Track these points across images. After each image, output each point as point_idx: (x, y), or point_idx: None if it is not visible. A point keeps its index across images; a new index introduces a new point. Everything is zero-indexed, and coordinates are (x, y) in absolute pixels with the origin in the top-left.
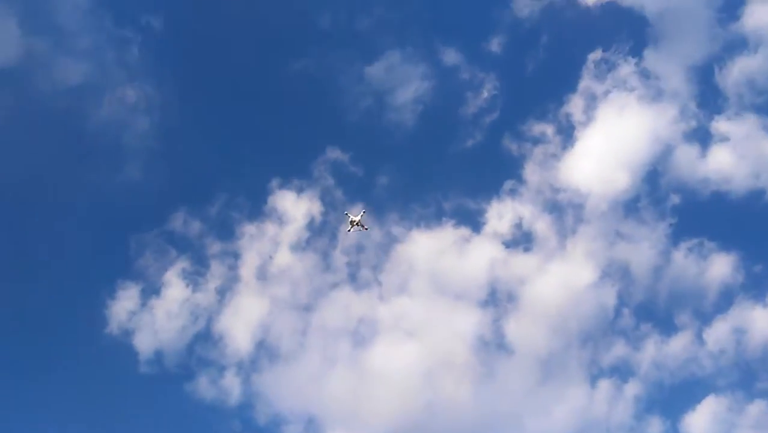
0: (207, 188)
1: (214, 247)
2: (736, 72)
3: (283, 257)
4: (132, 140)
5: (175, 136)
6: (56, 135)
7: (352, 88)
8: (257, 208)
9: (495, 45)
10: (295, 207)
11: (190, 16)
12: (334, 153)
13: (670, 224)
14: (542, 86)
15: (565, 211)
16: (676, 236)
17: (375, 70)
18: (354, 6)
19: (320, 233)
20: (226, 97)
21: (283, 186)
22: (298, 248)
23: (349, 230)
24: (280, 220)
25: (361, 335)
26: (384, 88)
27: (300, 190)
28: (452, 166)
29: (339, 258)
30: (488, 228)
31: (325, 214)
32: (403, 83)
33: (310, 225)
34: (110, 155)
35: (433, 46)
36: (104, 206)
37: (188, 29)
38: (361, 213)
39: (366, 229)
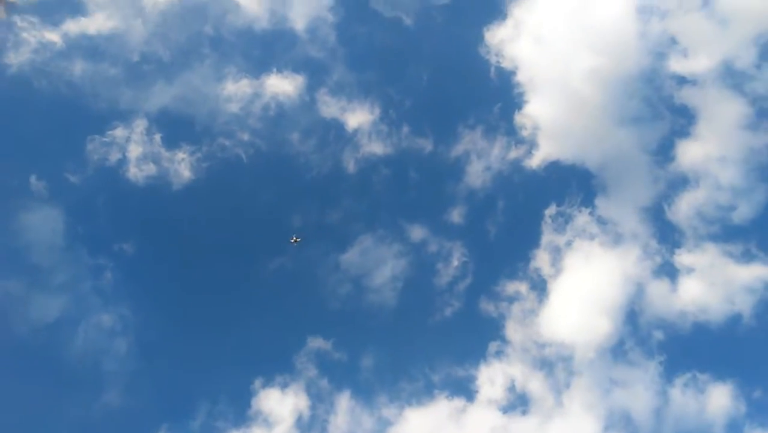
0: (189, 400)
1: None
2: (685, 207)
3: None
4: (110, 365)
5: (153, 354)
6: (34, 372)
7: (329, 277)
8: (242, 413)
9: (456, 216)
10: (281, 405)
11: (161, 234)
12: (316, 342)
13: (660, 362)
14: (507, 246)
15: (555, 365)
16: (669, 373)
17: (350, 257)
18: (322, 203)
19: (309, 429)
20: (202, 307)
21: (266, 385)
22: None
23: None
24: (266, 421)
25: None
26: (360, 272)
27: (284, 386)
28: (436, 337)
29: None
30: (482, 396)
31: (312, 407)
32: (378, 265)
33: (299, 422)
34: (89, 383)
35: (401, 225)
36: None
37: (160, 247)
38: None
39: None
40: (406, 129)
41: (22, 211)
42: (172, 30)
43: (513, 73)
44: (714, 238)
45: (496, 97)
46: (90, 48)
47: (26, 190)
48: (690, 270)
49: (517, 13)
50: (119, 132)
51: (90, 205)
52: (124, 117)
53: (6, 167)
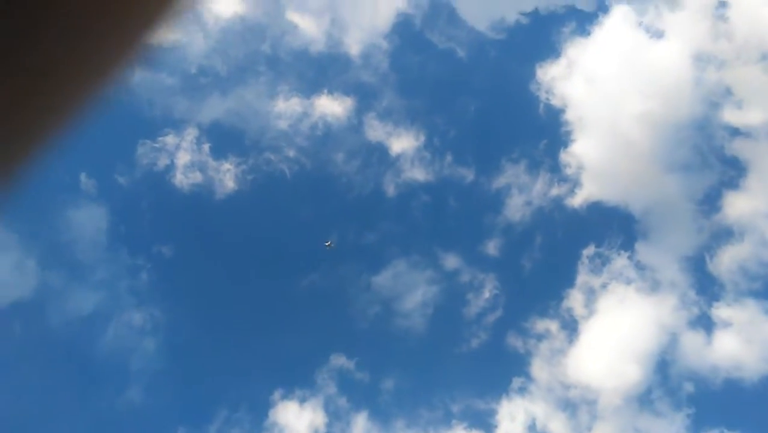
0: (208, 405)
1: None
2: (727, 260)
3: None
4: (137, 362)
5: (179, 356)
6: (64, 362)
7: (360, 297)
8: (258, 423)
9: (491, 248)
10: (298, 419)
11: (199, 241)
12: (339, 360)
13: (688, 415)
14: (541, 283)
15: (579, 408)
16: (696, 427)
17: (382, 279)
18: (360, 224)
19: None
20: (231, 314)
21: (285, 397)
22: None
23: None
24: None
25: None
26: (391, 295)
27: (303, 400)
28: (459, 367)
29: None
30: (501, 430)
31: (329, 424)
32: (409, 289)
33: None
34: (115, 378)
35: (435, 252)
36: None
37: (197, 253)
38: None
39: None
40: (449, 158)
41: (70, 207)
42: (231, 46)
43: (562, 111)
44: (755, 294)
45: (543, 133)
46: (150, 57)
47: (76, 187)
48: (727, 324)
49: (571, 52)
50: (170, 139)
51: (135, 207)
52: (176, 125)
53: (58, 164)
